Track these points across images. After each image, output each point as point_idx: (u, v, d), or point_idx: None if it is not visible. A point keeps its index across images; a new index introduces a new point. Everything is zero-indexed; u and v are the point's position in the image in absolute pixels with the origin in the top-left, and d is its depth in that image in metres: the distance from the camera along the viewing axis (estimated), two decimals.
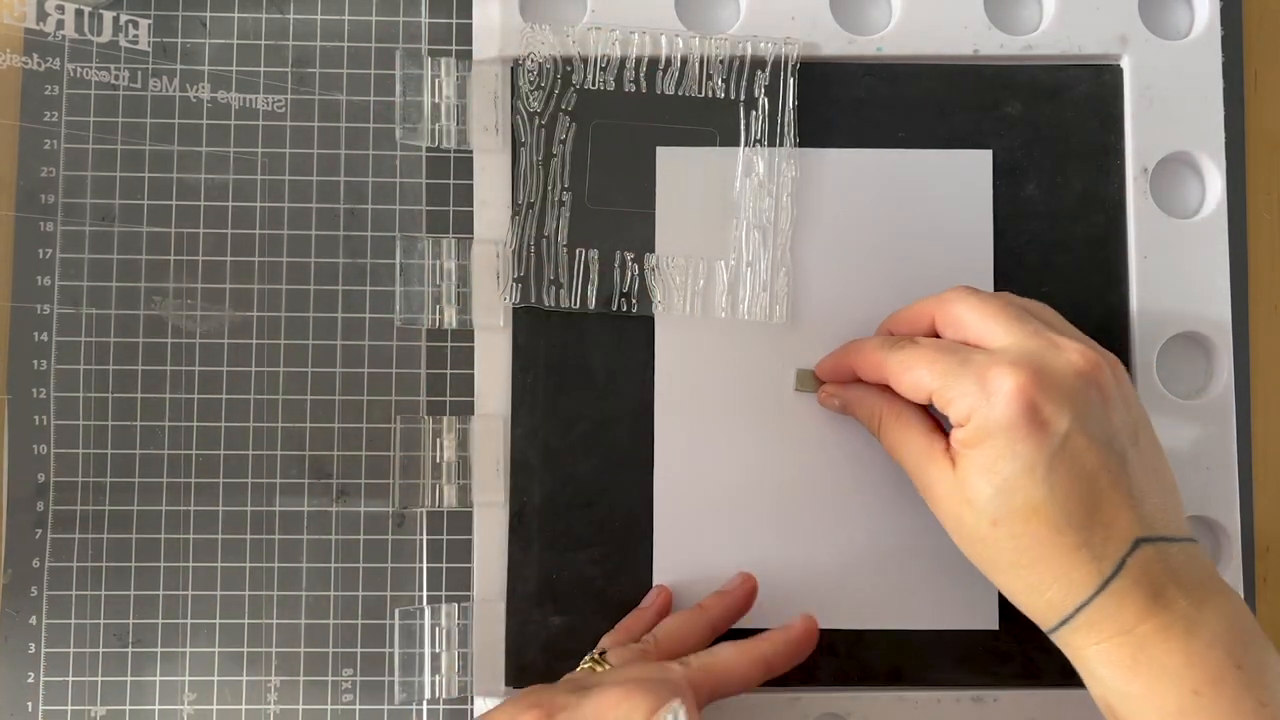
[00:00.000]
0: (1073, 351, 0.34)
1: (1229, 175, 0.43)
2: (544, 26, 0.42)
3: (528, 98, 0.42)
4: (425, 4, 0.43)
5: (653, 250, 0.42)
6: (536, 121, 0.42)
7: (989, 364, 0.34)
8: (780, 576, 0.41)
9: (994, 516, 0.34)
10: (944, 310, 0.36)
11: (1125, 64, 0.43)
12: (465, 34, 0.43)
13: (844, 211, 0.42)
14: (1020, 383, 0.33)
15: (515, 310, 0.42)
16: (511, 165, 0.42)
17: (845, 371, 0.39)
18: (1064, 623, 0.34)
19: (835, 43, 0.43)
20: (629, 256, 0.42)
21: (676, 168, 0.42)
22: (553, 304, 0.41)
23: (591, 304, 0.42)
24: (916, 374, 0.35)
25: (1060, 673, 0.41)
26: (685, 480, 0.42)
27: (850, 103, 0.43)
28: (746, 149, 0.42)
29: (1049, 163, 0.43)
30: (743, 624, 0.41)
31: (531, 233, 0.42)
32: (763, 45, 0.42)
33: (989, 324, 0.35)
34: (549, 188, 0.42)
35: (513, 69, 0.42)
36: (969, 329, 0.36)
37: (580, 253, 0.42)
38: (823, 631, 0.40)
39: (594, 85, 0.42)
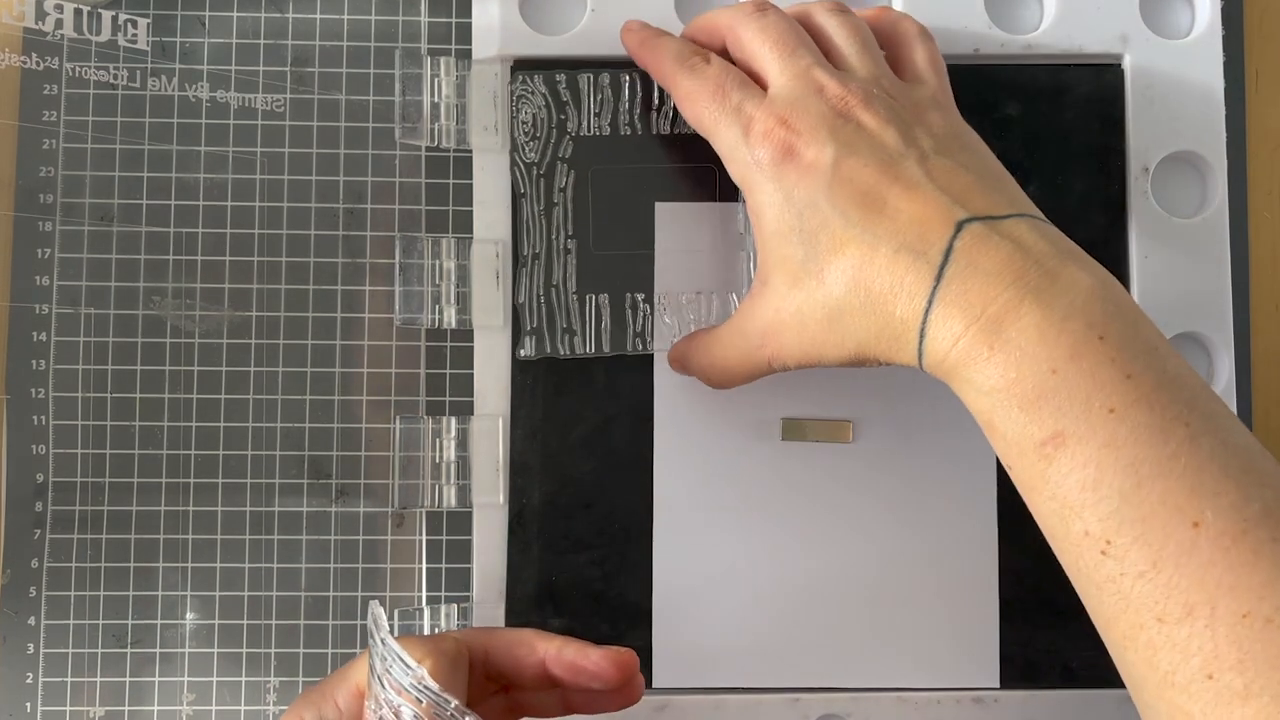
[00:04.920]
0: (832, 90, 0.34)
1: (1230, 175, 0.43)
2: (535, 76, 0.42)
3: (524, 149, 0.42)
4: (425, 3, 0.43)
5: (663, 290, 0.42)
6: (535, 172, 0.42)
7: (752, 118, 0.35)
8: (779, 579, 0.41)
9: (816, 270, 0.33)
10: (733, 32, 0.37)
11: (1126, 63, 0.43)
12: (465, 33, 0.43)
13: None
14: (777, 136, 0.34)
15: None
16: (512, 216, 0.42)
17: (642, 62, 0.40)
18: (923, 335, 0.31)
19: None
20: (639, 298, 0.42)
21: (675, 216, 0.42)
22: (568, 352, 0.41)
23: (606, 348, 0.41)
24: (698, 109, 0.36)
25: (1060, 673, 0.41)
26: (686, 483, 0.41)
27: None
28: None
29: (1049, 163, 0.42)
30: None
31: (540, 283, 0.42)
32: None
33: (766, 56, 0.36)
34: (553, 237, 0.42)
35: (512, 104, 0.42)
36: (752, 59, 0.36)
37: (590, 298, 0.42)
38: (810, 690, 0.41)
39: (589, 132, 0.42)
